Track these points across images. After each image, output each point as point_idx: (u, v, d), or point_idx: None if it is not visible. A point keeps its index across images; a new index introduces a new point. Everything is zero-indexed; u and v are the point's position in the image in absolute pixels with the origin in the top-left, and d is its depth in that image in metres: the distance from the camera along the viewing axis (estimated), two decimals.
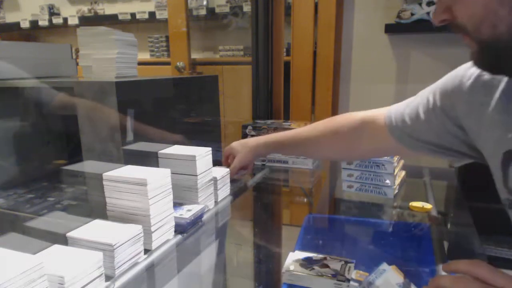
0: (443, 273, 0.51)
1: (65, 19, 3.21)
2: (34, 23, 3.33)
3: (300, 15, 1.90)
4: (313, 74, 1.95)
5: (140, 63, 1.27)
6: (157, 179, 0.68)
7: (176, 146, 0.88)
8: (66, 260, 0.52)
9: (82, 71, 1.19)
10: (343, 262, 0.70)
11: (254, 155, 1.03)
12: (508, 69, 0.49)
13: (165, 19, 2.78)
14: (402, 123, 0.72)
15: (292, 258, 0.72)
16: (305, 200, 1.30)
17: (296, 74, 1.97)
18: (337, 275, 0.66)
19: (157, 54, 3.07)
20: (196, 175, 0.82)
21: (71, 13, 3.28)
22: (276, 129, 1.37)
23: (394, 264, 0.64)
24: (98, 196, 0.70)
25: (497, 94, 0.55)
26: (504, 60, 0.47)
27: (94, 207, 0.71)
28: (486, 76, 0.57)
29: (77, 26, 3.14)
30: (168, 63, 2.67)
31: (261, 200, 1.21)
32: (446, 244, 0.82)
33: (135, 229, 0.63)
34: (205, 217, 0.84)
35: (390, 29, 1.78)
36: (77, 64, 1.30)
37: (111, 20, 3.07)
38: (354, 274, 0.67)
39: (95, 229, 0.63)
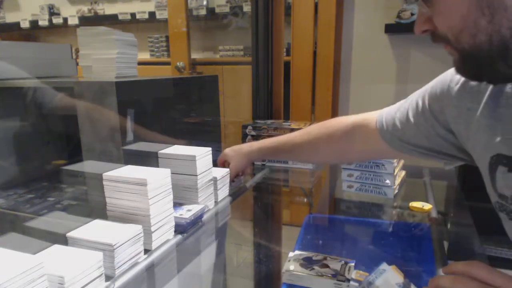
0: (443, 273, 0.51)
1: (65, 19, 3.22)
2: (34, 23, 3.33)
3: (300, 15, 1.91)
4: (313, 74, 1.95)
5: (140, 63, 1.27)
6: (157, 179, 0.68)
7: (176, 146, 0.88)
8: (66, 260, 0.52)
9: (82, 71, 1.19)
10: (343, 262, 0.70)
11: (248, 161, 1.03)
12: (489, 77, 0.50)
13: (165, 19, 2.79)
14: (393, 127, 0.72)
15: (292, 258, 0.72)
16: (305, 200, 1.30)
17: (296, 74, 1.97)
18: (337, 275, 0.66)
19: (157, 54, 3.06)
20: (196, 175, 0.82)
21: (71, 13, 3.28)
22: (276, 129, 1.37)
23: (394, 264, 0.64)
24: (98, 196, 0.70)
25: (484, 99, 0.56)
26: (485, 68, 0.48)
27: (94, 207, 0.71)
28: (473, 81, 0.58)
29: (77, 26, 3.14)
30: (168, 63, 2.68)
31: (261, 200, 1.21)
32: (446, 244, 0.82)
33: (135, 229, 0.63)
34: (205, 217, 0.84)
35: (390, 29, 1.78)
36: (77, 64, 1.30)
37: (111, 20, 3.07)
38: (354, 274, 0.67)
39: (95, 229, 0.63)
